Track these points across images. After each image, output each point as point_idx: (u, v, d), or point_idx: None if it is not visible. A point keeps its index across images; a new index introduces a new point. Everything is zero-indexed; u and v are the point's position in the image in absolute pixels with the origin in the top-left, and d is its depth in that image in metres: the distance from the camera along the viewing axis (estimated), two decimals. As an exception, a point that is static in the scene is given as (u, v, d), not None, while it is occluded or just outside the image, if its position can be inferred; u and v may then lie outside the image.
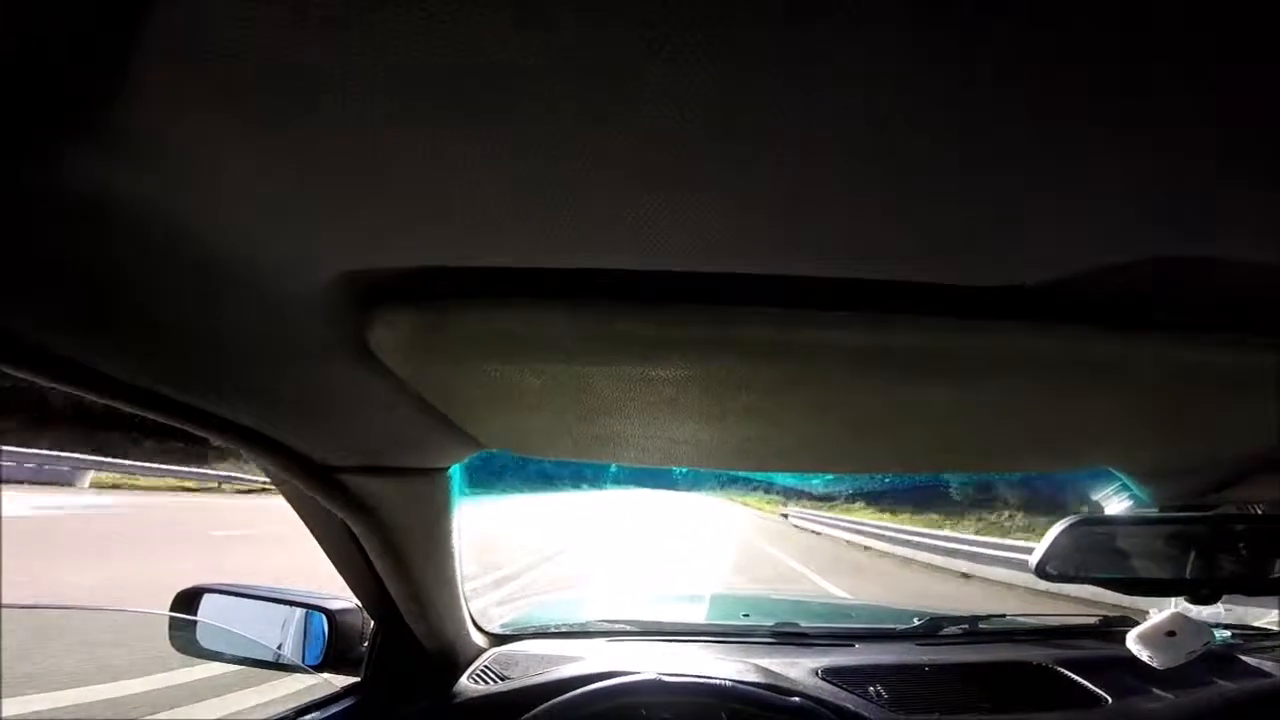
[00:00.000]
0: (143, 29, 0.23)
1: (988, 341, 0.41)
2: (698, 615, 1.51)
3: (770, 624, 1.27)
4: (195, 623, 1.05)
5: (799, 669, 1.06)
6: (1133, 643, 0.82)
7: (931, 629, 1.26)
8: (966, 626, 1.28)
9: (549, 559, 7.76)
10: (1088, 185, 0.29)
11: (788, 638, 1.23)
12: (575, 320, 0.41)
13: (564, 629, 1.28)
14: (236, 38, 0.23)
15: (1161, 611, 0.81)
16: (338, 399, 0.57)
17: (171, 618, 1.05)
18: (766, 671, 1.02)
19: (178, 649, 1.07)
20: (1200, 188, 0.28)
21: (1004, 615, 1.35)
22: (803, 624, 1.28)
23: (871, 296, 0.38)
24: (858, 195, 0.30)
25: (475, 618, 1.16)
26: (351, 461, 0.68)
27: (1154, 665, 0.80)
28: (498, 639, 1.19)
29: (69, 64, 0.24)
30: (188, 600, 1.04)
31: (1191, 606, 0.76)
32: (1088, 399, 0.50)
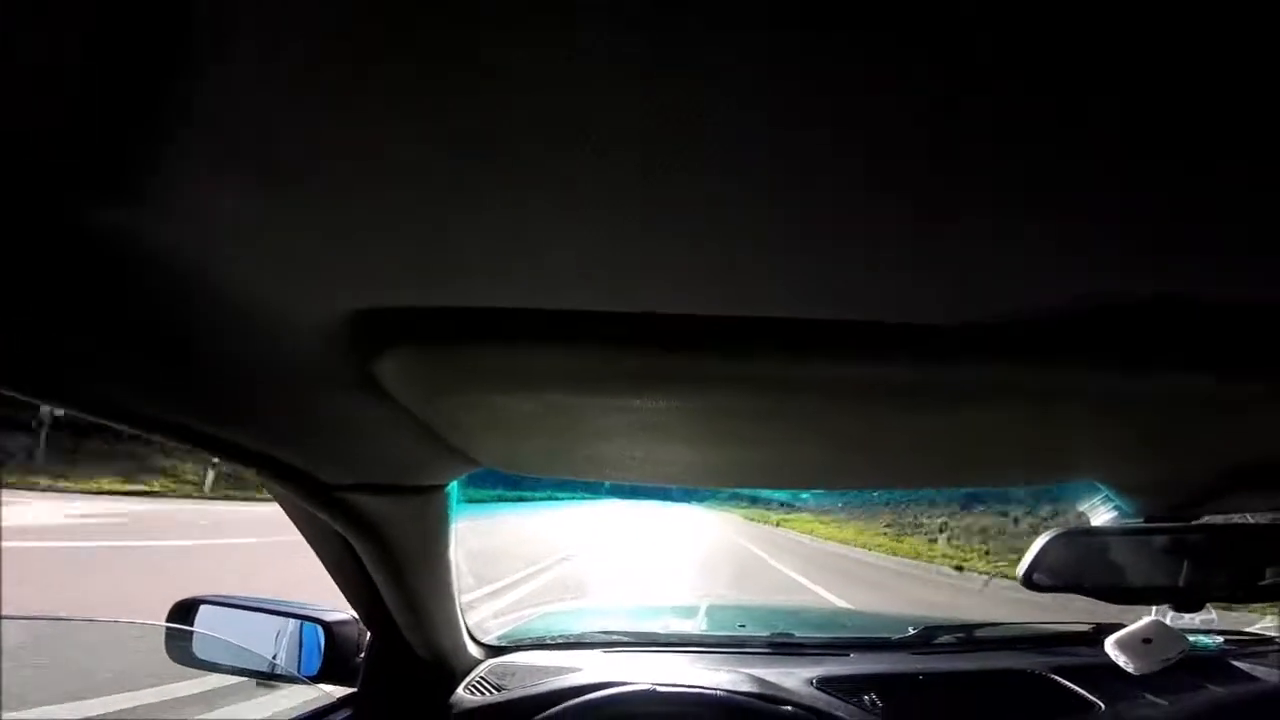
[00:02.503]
0: (163, 97, 0.24)
1: (947, 376, 0.43)
2: (694, 626, 1.51)
3: (766, 634, 1.28)
4: (191, 634, 1.05)
5: (794, 679, 1.06)
6: (1110, 648, 0.83)
7: (926, 637, 1.27)
8: (961, 635, 1.28)
9: (547, 569, 7.75)
10: (1038, 221, 0.30)
11: (783, 648, 1.23)
12: (568, 357, 0.44)
13: (560, 640, 1.28)
14: (248, 107, 0.24)
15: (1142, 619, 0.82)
16: (342, 424, 0.59)
17: (168, 628, 1.06)
18: (761, 681, 1.03)
19: (174, 659, 1.07)
20: (1152, 219, 0.29)
21: (998, 623, 1.36)
22: (798, 634, 1.28)
23: (837, 335, 0.41)
24: (829, 242, 0.32)
25: (471, 629, 1.16)
26: (353, 480, 0.69)
27: (1130, 671, 0.81)
28: (494, 650, 1.19)
29: (98, 126, 0.26)
30: (184, 612, 1.04)
31: (1180, 615, 0.77)
32: (1059, 423, 0.52)
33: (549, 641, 1.27)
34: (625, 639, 1.27)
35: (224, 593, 1.10)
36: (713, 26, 0.20)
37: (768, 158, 0.26)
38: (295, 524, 0.80)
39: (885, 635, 1.29)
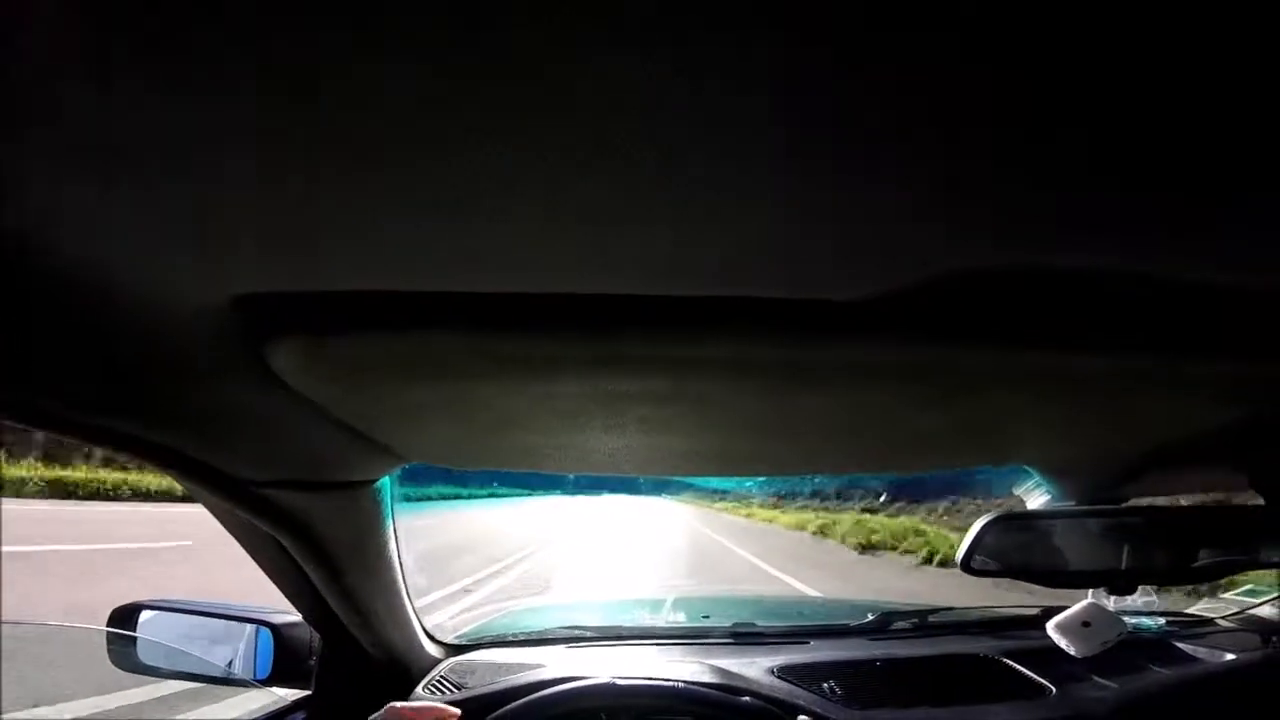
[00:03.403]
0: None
1: (850, 353, 0.44)
2: (659, 618, 1.51)
3: (729, 624, 1.28)
4: (135, 639, 1.02)
5: (755, 668, 1.07)
6: (1052, 631, 0.85)
7: (883, 624, 1.29)
8: (917, 620, 1.31)
9: (509, 568, 7.69)
10: (927, 195, 0.30)
11: (746, 637, 1.24)
12: (467, 343, 0.43)
13: (522, 637, 1.27)
14: (94, 103, 0.24)
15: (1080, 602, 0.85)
16: (250, 418, 0.57)
17: (109, 633, 1.02)
18: (723, 671, 1.03)
19: (117, 665, 1.03)
20: (1058, 188, 0.30)
21: (952, 608, 1.39)
22: (760, 623, 1.29)
23: (739, 312, 0.40)
24: (717, 220, 0.32)
25: (428, 629, 1.14)
26: (272, 476, 0.67)
27: (1072, 653, 0.84)
28: (454, 649, 1.18)
29: None
30: (124, 617, 1.00)
31: (1118, 597, 0.80)
32: (973, 404, 0.53)
33: (511, 639, 1.26)
34: (589, 634, 1.27)
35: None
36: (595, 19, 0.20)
37: (668, 139, 0.26)
38: (223, 524, 0.78)
39: (845, 622, 1.31)
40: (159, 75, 0.23)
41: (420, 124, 0.25)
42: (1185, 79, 0.23)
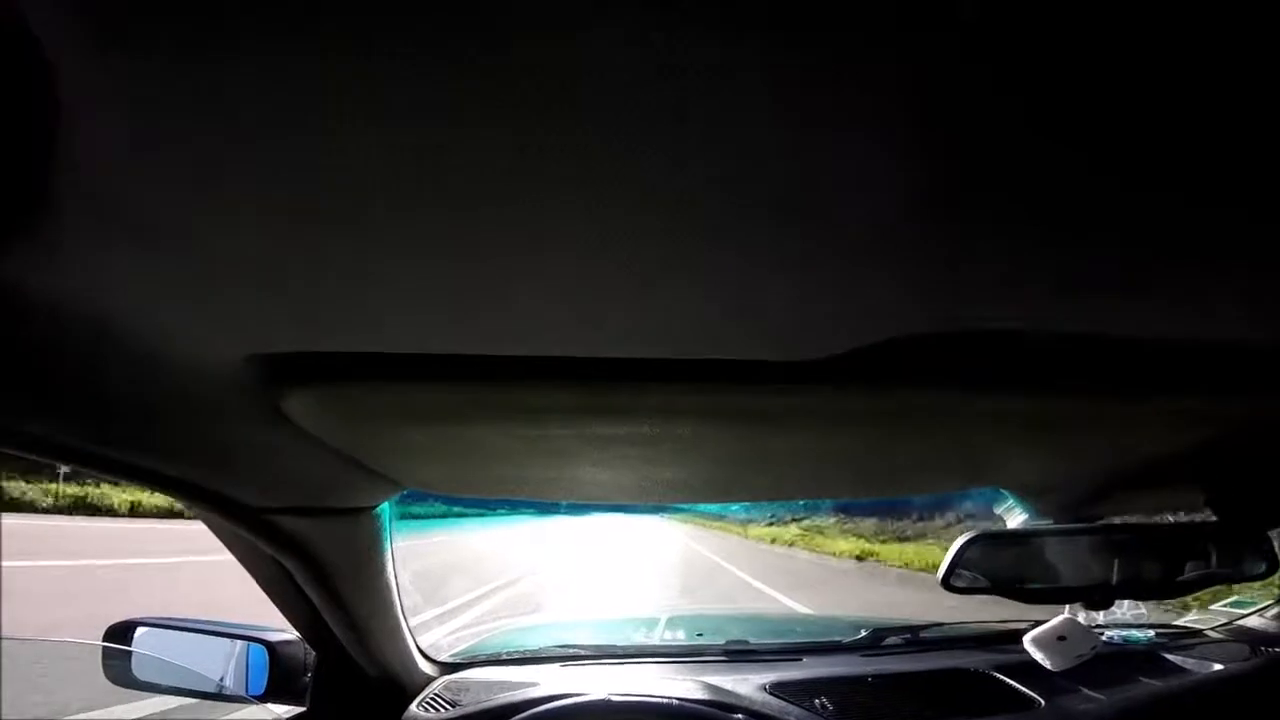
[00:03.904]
0: (36, 165, 0.26)
1: (816, 403, 0.47)
2: (653, 636, 1.51)
3: (722, 642, 1.29)
4: (130, 654, 1.02)
5: (748, 685, 1.08)
6: (1029, 645, 0.86)
7: (875, 640, 1.29)
8: (908, 636, 1.31)
9: (506, 586, 7.67)
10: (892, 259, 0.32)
11: (739, 655, 1.24)
12: (464, 396, 0.47)
13: (517, 655, 1.27)
14: (119, 176, 0.26)
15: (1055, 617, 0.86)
16: (259, 453, 0.60)
17: (105, 648, 1.02)
18: (716, 689, 1.04)
19: (113, 680, 1.04)
20: (1011, 250, 0.32)
21: (943, 623, 1.39)
22: (753, 641, 1.29)
23: (712, 369, 0.44)
24: (688, 293, 0.35)
25: (423, 648, 1.15)
26: (277, 503, 0.70)
27: (1049, 667, 0.85)
28: (448, 667, 1.18)
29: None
30: (119, 634, 1.01)
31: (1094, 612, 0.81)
32: (940, 440, 0.55)
33: (504, 657, 1.26)
34: (583, 652, 1.27)
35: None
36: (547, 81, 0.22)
37: (650, 224, 0.29)
38: (226, 546, 0.80)
39: (837, 639, 1.31)
40: (163, 159, 0.25)
41: (417, 212, 0.28)
42: (1129, 135, 0.24)
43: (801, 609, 5.77)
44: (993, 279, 0.34)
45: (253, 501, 0.68)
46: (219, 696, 1.04)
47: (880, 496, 0.93)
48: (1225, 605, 1.38)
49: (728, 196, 0.27)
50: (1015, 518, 0.84)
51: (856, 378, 0.43)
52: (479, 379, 0.45)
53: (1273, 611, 1.20)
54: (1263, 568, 0.74)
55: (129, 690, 1.04)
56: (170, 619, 1.04)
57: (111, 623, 1.03)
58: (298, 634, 0.98)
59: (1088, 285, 0.35)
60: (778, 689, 1.07)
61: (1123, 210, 0.29)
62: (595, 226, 0.29)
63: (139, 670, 1.02)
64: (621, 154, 0.25)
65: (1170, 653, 1.18)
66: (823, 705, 1.04)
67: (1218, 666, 1.11)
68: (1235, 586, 1.27)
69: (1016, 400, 0.46)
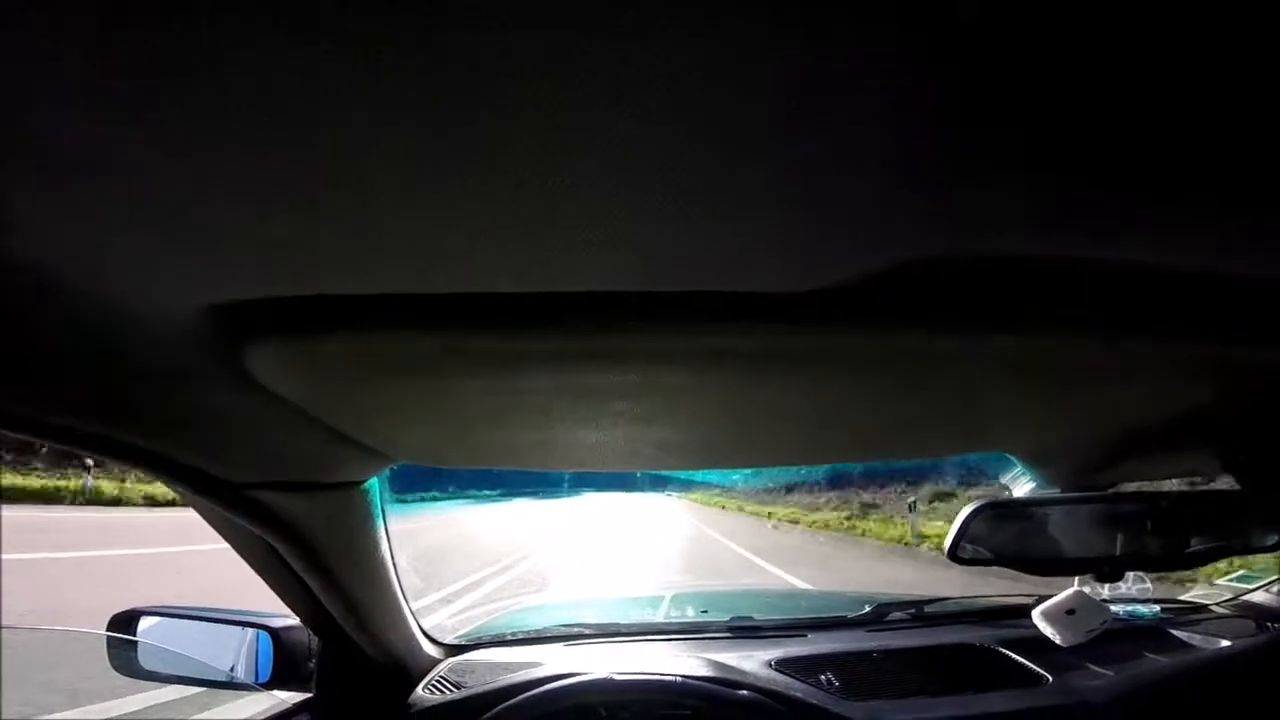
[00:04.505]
0: None
1: (815, 342, 0.44)
2: (657, 614, 1.52)
3: (727, 619, 1.29)
4: (136, 644, 1.02)
5: (753, 661, 1.08)
6: (1038, 619, 0.86)
7: (879, 615, 1.30)
8: (913, 611, 1.31)
9: (511, 566, 7.73)
10: (877, 186, 0.30)
11: (744, 631, 1.25)
12: (437, 342, 0.43)
13: (521, 636, 1.27)
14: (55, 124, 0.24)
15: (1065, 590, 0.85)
16: (230, 420, 0.58)
17: (109, 638, 1.03)
18: (721, 665, 1.04)
19: (118, 670, 1.04)
20: (1021, 178, 0.30)
21: (947, 598, 1.39)
22: (758, 617, 1.30)
23: (705, 305, 0.41)
24: (679, 216, 0.32)
25: (427, 630, 1.15)
26: (257, 478, 0.68)
27: (1059, 642, 0.84)
28: (453, 649, 1.18)
29: None
30: (124, 623, 1.01)
31: (1104, 585, 0.80)
32: (945, 390, 0.53)
33: (509, 638, 1.26)
34: (588, 631, 1.27)
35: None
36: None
37: (619, 140, 0.27)
38: (216, 529, 0.78)
39: (842, 614, 1.32)
40: (123, 97, 0.24)
41: (380, 135, 0.26)
42: (1144, 71, 0.23)
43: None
44: (1007, 211, 0.32)
45: (233, 476, 0.66)
46: (225, 685, 1.04)
47: (882, 459, 0.91)
48: (1231, 580, 1.38)
49: (716, 117, 0.25)
50: (1022, 486, 0.83)
51: (855, 313, 0.41)
52: (449, 323, 0.41)
53: (1277, 587, 1.20)
54: (1274, 539, 0.73)
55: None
56: (174, 607, 1.04)
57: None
58: (300, 619, 0.98)
59: (1091, 222, 0.33)
60: (783, 665, 1.07)
61: (1129, 143, 0.27)
62: (570, 145, 0.27)
63: (145, 660, 1.03)
64: (601, 63, 0.23)
65: (1176, 628, 1.18)
66: (828, 680, 1.04)
67: (1224, 643, 1.11)
68: (1240, 561, 1.28)
69: (1019, 343, 0.44)
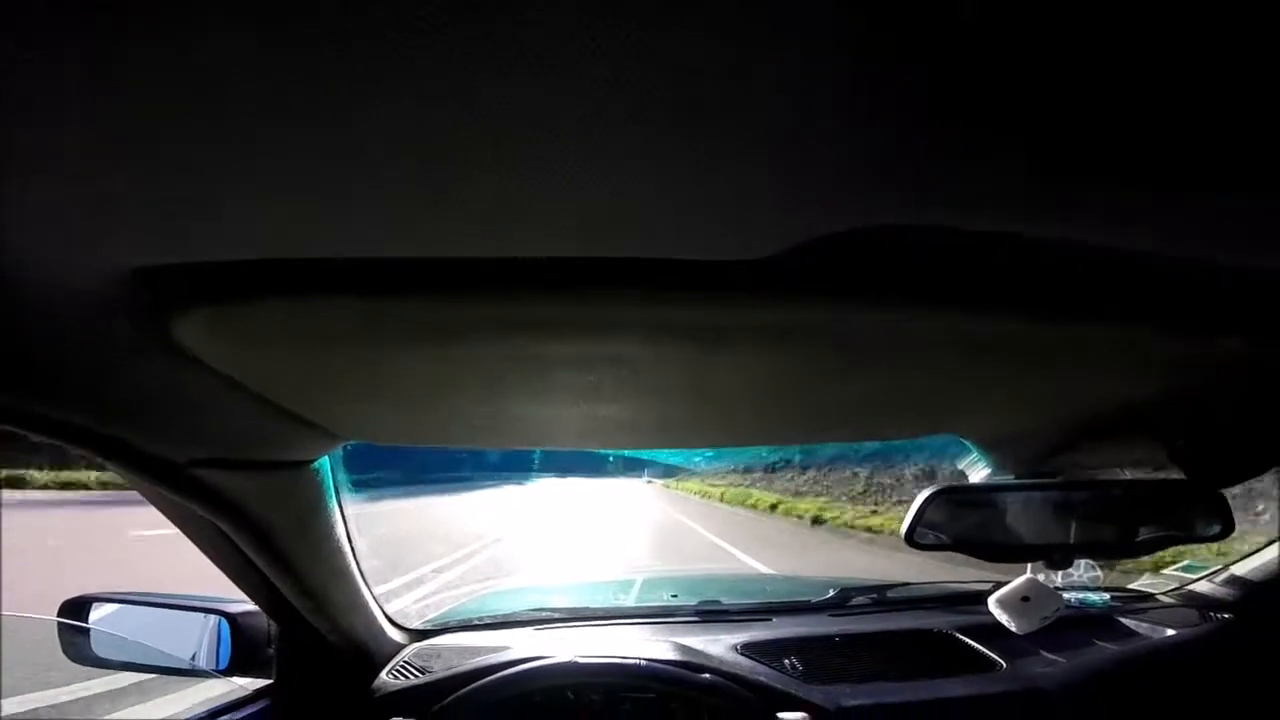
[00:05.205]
0: None
1: (757, 314, 0.43)
2: (627, 598, 1.53)
3: (695, 603, 1.31)
4: (89, 630, 1.00)
5: (720, 645, 1.10)
6: (994, 606, 0.88)
7: (842, 599, 1.32)
8: (875, 596, 1.34)
9: (484, 549, 7.70)
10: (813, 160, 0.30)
11: (711, 615, 1.26)
12: (368, 310, 0.42)
13: (489, 620, 1.27)
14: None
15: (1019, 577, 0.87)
16: (167, 395, 0.55)
17: (60, 624, 1.00)
18: (687, 649, 1.05)
19: (71, 658, 1.02)
20: (968, 152, 0.30)
21: (909, 583, 1.43)
22: (725, 601, 1.32)
23: (644, 273, 0.40)
24: (617, 178, 0.31)
25: (391, 614, 1.14)
26: (199, 455, 0.65)
27: (1012, 629, 0.86)
28: (419, 634, 1.18)
29: None
30: (75, 609, 0.98)
31: (1056, 571, 0.83)
32: (891, 370, 0.53)
33: (478, 622, 1.26)
34: (557, 615, 1.28)
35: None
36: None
37: (550, 100, 0.26)
38: (160, 509, 0.75)
39: (807, 599, 1.34)
40: (27, 61, 0.23)
41: (295, 92, 0.25)
42: (1098, 49, 0.23)
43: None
44: (952, 185, 0.32)
45: (173, 455, 0.63)
46: (183, 671, 1.02)
47: (839, 441, 0.92)
48: (1176, 570, 1.43)
49: (662, 81, 0.25)
50: (977, 471, 0.84)
51: (803, 284, 0.40)
52: (381, 290, 0.40)
53: (1220, 577, 1.25)
54: (1218, 529, 0.76)
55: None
56: (127, 594, 1.01)
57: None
58: (257, 604, 0.96)
59: (1045, 205, 0.33)
60: (748, 649, 1.09)
61: (1083, 129, 0.27)
62: (498, 108, 0.26)
63: (99, 647, 1.00)
64: (530, 24, 0.22)
65: (1125, 617, 1.23)
66: (792, 665, 1.06)
67: (1170, 632, 1.15)
68: (1185, 550, 1.33)
69: (973, 321, 0.44)
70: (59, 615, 0.99)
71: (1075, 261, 0.39)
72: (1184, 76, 0.25)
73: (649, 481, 33.36)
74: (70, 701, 2.38)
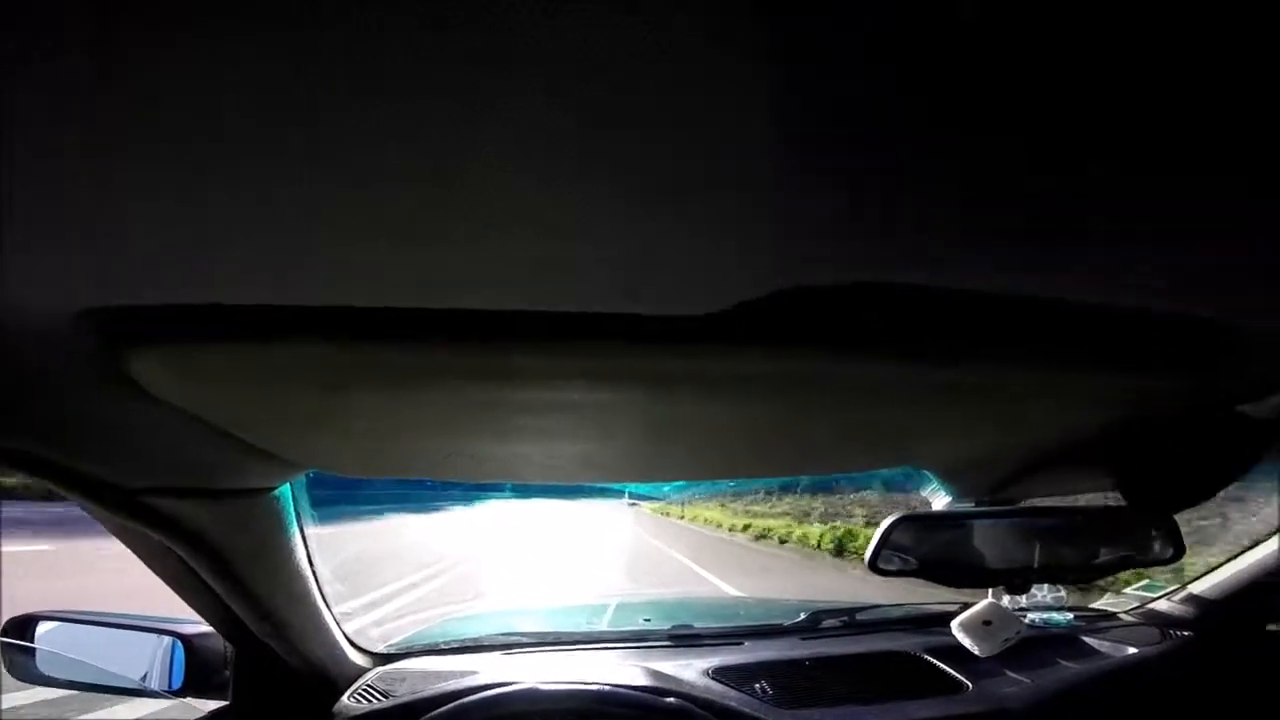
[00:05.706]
0: None
1: (714, 366, 0.44)
2: (599, 623, 1.51)
3: (667, 627, 1.30)
4: (34, 650, 0.96)
5: (691, 670, 1.09)
6: (957, 630, 0.89)
7: (814, 622, 1.33)
8: (845, 618, 1.35)
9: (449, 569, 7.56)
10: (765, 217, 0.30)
11: (683, 639, 1.25)
12: (332, 355, 0.42)
13: (456, 644, 1.24)
14: None
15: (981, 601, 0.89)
16: (120, 426, 0.54)
17: (4, 644, 0.96)
18: (657, 674, 1.04)
19: (16, 676, 0.98)
20: (921, 204, 0.30)
21: (879, 605, 1.44)
22: (697, 625, 1.31)
23: (600, 326, 0.40)
24: (565, 236, 0.31)
25: (353, 638, 1.12)
26: (155, 483, 0.64)
27: (975, 652, 0.88)
28: (383, 658, 1.15)
29: None
30: (18, 629, 0.94)
31: (1016, 596, 0.84)
32: (854, 412, 0.54)
33: (443, 646, 1.23)
34: (526, 640, 1.25)
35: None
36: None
37: (506, 160, 0.26)
38: (112, 532, 0.73)
39: (779, 622, 1.34)
40: None
41: (264, 140, 0.24)
42: (1053, 95, 0.23)
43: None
44: (905, 239, 0.32)
45: (126, 482, 0.62)
46: (132, 691, 0.99)
47: (800, 474, 0.92)
48: (1137, 589, 1.46)
49: (603, 131, 0.24)
50: (939, 500, 0.86)
51: (758, 336, 0.41)
52: (345, 336, 0.40)
53: (1179, 596, 1.28)
54: (1170, 552, 0.78)
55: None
56: (75, 613, 0.98)
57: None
58: (213, 627, 0.93)
59: (990, 250, 0.34)
60: (719, 673, 1.09)
61: (1029, 176, 0.28)
62: (451, 167, 0.26)
63: (45, 666, 0.96)
64: (495, 88, 0.22)
65: (1088, 635, 1.25)
66: (762, 689, 1.05)
67: (1131, 650, 1.18)
68: (1145, 571, 1.36)
69: (929, 371, 0.45)
70: (2, 633, 0.95)
71: (1013, 312, 0.40)
72: (1098, 134, 0.25)
73: (632, 504, 32.18)
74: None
